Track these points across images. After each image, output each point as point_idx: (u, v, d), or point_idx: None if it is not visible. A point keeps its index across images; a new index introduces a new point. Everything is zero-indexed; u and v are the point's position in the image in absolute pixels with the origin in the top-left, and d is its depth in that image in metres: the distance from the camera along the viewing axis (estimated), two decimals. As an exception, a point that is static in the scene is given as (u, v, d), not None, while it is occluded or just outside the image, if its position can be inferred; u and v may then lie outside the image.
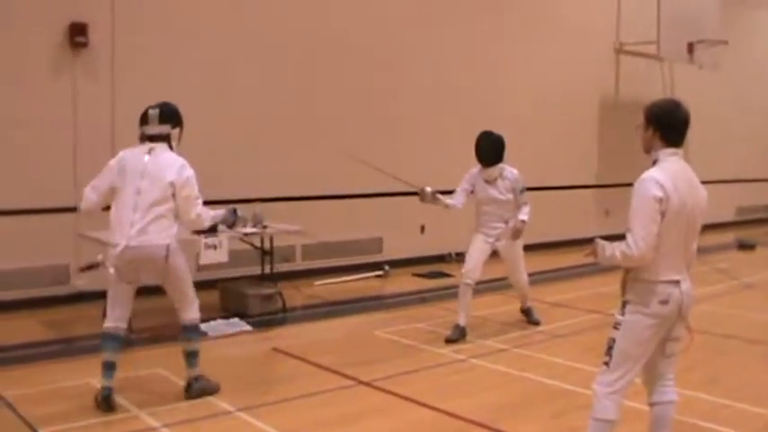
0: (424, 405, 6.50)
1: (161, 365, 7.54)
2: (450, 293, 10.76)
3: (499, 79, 14.71)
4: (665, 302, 4.56)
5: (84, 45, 10.08)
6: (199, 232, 8.99)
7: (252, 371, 7.48)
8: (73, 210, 9.79)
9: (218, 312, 9.65)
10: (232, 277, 10.40)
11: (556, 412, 6.39)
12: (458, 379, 7.36)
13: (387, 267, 12.32)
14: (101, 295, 9.35)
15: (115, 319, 6.47)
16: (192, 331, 6.70)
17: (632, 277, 4.66)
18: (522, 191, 8.86)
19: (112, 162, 6.52)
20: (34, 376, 7.16)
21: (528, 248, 14.45)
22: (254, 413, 6.27)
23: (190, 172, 6.45)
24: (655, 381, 4.90)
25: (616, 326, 4.70)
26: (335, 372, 7.44)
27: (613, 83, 17.34)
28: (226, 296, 9.97)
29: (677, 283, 4.61)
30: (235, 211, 7.42)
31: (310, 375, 7.39)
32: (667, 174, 4.56)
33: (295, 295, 10.56)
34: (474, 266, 8.82)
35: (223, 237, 8.92)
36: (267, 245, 10.11)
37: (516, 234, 8.85)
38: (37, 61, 9.86)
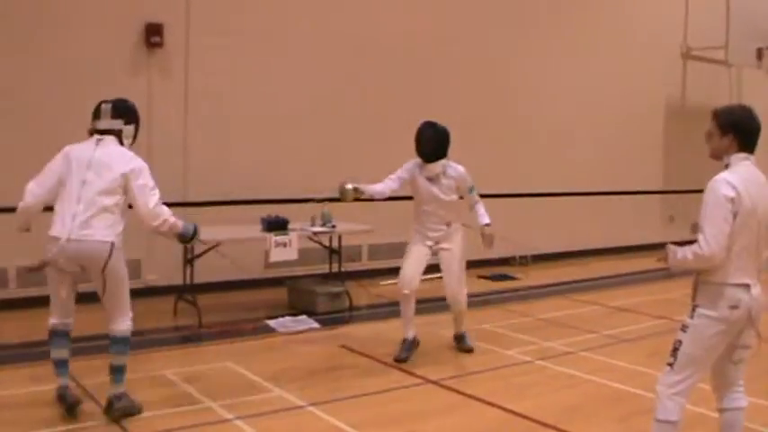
0: (492, 404, 6.55)
1: (230, 359, 7.70)
2: (515, 296, 10.87)
3: (563, 82, 14.64)
4: (734, 307, 4.56)
5: (160, 45, 10.31)
6: (270, 229, 9.18)
7: (321, 367, 7.56)
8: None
9: (286, 309, 9.84)
10: (300, 275, 10.56)
11: (621, 416, 6.40)
12: (524, 380, 7.39)
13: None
14: (171, 290, 9.66)
15: (60, 315, 6.01)
16: (120, 344, 6.07)
17: (702, 280, 4.67)
18: (471, 190, 7.96)
19: (58, 156, 6.04)
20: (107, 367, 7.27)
21: (590, 253, 14.58)
22: (324, 408, 6.36)
23: (142, 162, 6.01)
24: (725, 387, 4.90)
25: (683, 328, 4.72)
26: (403, 370, 7.52)
27: (680, 88, 17.17)
28: (294, 294, 10.12)
29: (747, 287, 4.60)
30: (195, 228, 6.35)
31: (378, 373, 7.48)
32: (739, 177, 4.59)
33: (361, 294, 10.67)
34: (411, 276, 7.82)
35: (293, 235, 9.08)
36: (335, 244, 10.26)
37: (489, 242, 7.99)
38: (114, 61, 10.10)
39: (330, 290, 9.93)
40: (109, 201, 5.81)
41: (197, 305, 9.19)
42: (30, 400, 6.37)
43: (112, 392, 6.04)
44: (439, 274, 8.15)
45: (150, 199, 5.91)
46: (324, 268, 10.50)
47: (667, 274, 12.47)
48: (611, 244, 15.27)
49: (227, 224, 9.87)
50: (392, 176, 7.93)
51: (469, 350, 8.23)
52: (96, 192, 5.78)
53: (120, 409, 5.99)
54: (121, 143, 6.12)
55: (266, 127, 11.12)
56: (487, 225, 7.96)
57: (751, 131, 4.70)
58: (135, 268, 10.23)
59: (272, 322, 9.17)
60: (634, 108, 15.94)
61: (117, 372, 6.07)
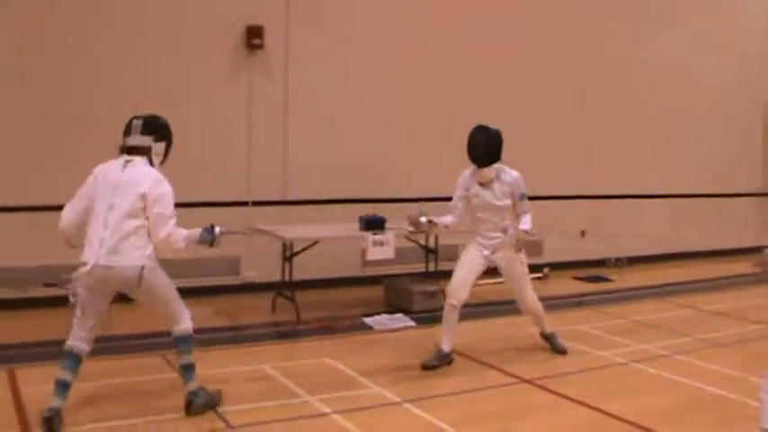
0: (586, 405, 6.58)
1: (327, 355, 7.85)
2: (610, 298, 10.81)
3: (660, 81, 14.45)
4: None
5: (260, 47, 10.55)
6: (368, 228, 9.32)
7: (416, 364, 7.63)
8: (245, 204, 10.30)
9: (382, 307, 9.99)
10: (396, 274, 10.69)
11: (718, 420, 6.37)
12: (619, 382, 7.40)
13: (546, 270, 12.38)
14: (270, 286, 9.86)
15: (78, 337, 5.84)
16: (183, 343, 6.10)
17: None
18: (522, 197, 7.64)
19: (90, 177, 5.98)
20: (209, 360, 7.43)
21: (685, 256, 14.42)
22: (420, 405, 6.46)
23: (166, 188, 5.89)
24: None
25: None
26: (498, 369, 7.59)
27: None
28: (390, 292, 10.25)
29: None
30: (212, 228, 6.22)
31: (473, 371, 7.56)
32: None
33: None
34: (461, 285, 7.67)
35: (390, 234, 9.20)
36: (432, 243, 10.37)
37: (519, 246, 7.62)
38: (216, 63, 10.41)
39: (426, 289, 10.01)
40: (136, 223, 5.77)
41: (295, 302, 9.38)
42: (146, 389, 6.65)
43: (187, 390, 6.10)
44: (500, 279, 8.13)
45: (162, 229, 5.81)
46: (420, 267, 10.61)
47: (762, 279, 12.41)
48: (707, 247, 15.04)
49: (325, 223, 10.07)
50: (453, 202, 7.87)
51: (563, 352, 8.18)
52: (122, 215, 5.74)
53: (199, 405, 6.07)
54: (151, 162, 6.04)
55: (364, 127, 11.27)
56: (525, 232, 7.57)
57: None
58: (234, 265, 10.55)
59: (368, 320, 9.32)
60: (733, 107, 15.60)
61: (186, 370, 6.11)
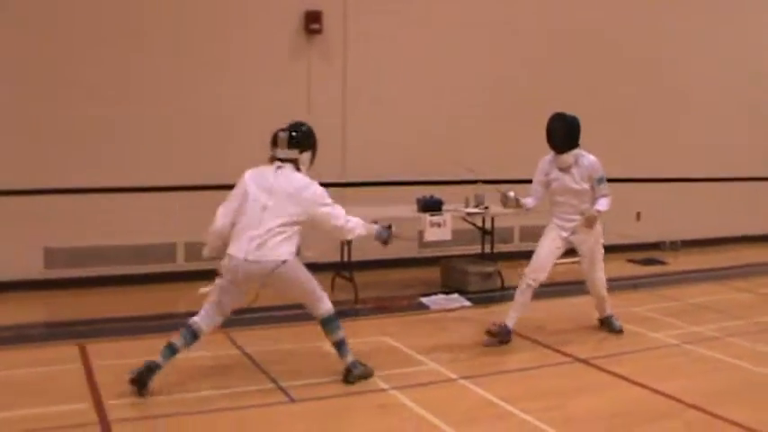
0: (640, 384, 6.71)
1: (385, 333, 8.06)
2: (665, 280, 10.86)
3: (714, 63, 14.38)
4: None
5: (319, 32, 10.75)
6: (425, 209, 9.49)
7: (472, 343, 7.81)
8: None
9: (439, 288, 10.16)
10: (453, 255, 10.84)
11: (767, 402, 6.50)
12: (672, 362, 7.51)
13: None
14: (329, 267, 10.02)
15: (205, 320, 6.39)
16: (329, 323, 6.59)
17: None
18: (600, 180, 7.86)
19: (240, 180, 6.47)
20: (269, 338, 7.83)
21: (741, 240, 14.38)
22: (476, 381, 6.65)
23: (314, 187, 6.40)
24: None
25: None
26: (553, 348, 7.74)
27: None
28: (447, 273, 10.40)
29: None
30: (390, 227, 6.89)
31: (529, 350, 7.73)
32: None
33: (512, 275, 10.81)
34: (541, 266, 7.92)
35: (447, 216, 9.36)
36: (488, 225, 10.49)
37: (590, 223, 7.83)
38: (277, 47, 10.63)
39: (482, 269, 10.17)
40: (287, 225, 6.24)
41: (354, 281, 9.58)
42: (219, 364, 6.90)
43: (345, 364, 6.60)
44: (576, 258, 8.27)
45: (335, 219, 6.44)
46: (476, 248, 10.71)
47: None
48: (763, 231, 15.01)
49: (383, 204, 10.20)
50: (533, 187, 8.12)
51: (620, 331, 8.34)
52: (275, 216, 6.20)
53: (356, 376, 6.58)
54: (299, 169, 6.48)
55: (422, 110, 11.42)
56: (598, 211, 7.81)
57: None
58: (294, 246, 10.72)
59: (425, 299, 9.49)
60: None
61: (338, 347, 6.62)
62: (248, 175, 6.47)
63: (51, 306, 9.15)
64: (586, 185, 7.87)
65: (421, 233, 9.68)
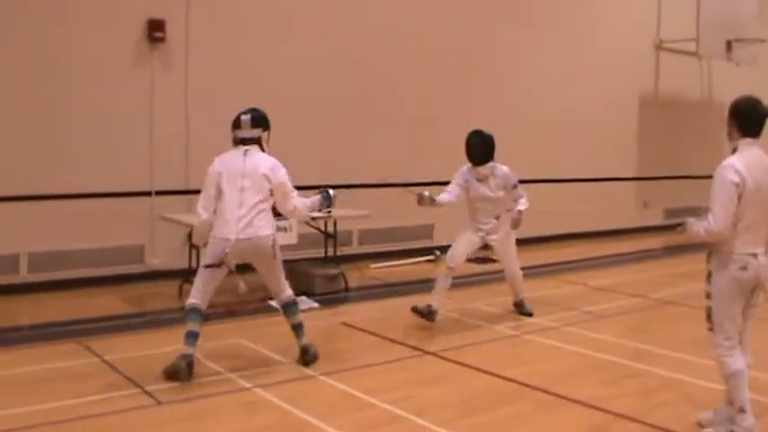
0: (487, 372, 7.16)
1: (241, 336, 8.23)
2: (500, 277, 11.36)
3: (544, 77, 15.24)
4: (743, 269, 5.33)
5: (162, 40, 10.78)
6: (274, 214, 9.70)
7: (326, 342, 8.07)
8: (148, 194, 10.54)
9: (285, 291, 10.33)
10: (299, 258, 11.04)
11: (606, 379, 7.04)
12: (514, 351, 8.03)
13: (438, 253, 12.84)
14: (173, 274, 10.11)
15: (199, 297, 6.97)
16: (291, 306, 7.36)
17: (715, 250, 5.45)
18: (514, 186, 8.88)
19: (210, 170, 7.07)
20: (123, 345, 7.89)
21: (572, 237, 15.18)
22: (336, 377, 6.94)
23: (282, 170, 7.04)
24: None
25: (707, 296, 5.51)
26: (402, 343, 8.11)
27: (653, 78, 17.73)
28: (293, 276, 10.43)
29: (755, 255, 5.37)
30: (327, 193, 7.59)
31: (380, 346, 8.07)
32: (744, 161, 5.35)
33: (355, 276, 11.20)
34: (459, 253, 8.96)
35: (292, 220, 9.59)
36: (331, 229, 10.79)
37: (515, 224, 8.90)
38: (119, 55, 10.57)
39: (327, 272, 10.46)
40: (263, 201, 6.91)
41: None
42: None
43: (302, 344, 7.34)
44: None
45: (290, 202, 7.11)
46: (320, 252, 11.02)
47: (636, 258, 13.31)
48: (588, 229, 15.88)
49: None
50: (451, 186, 8.94)
51: (529, 314, 9.39)
52: (254, 194, 6.85)
53: (312, 354, 7.33)
54: (262, 149, 7.13)
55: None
56: (519, 212, 8.82)
57: (749, 118, 5.46)
58: (138, 253, 10.77)
59: (273, 302, 9.63)
60: (610, 99, 16.53)
61: (298, 328, 7.37)
62: (218, 161, 7.07)
63: None
64: (501, 193, 8.90)
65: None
